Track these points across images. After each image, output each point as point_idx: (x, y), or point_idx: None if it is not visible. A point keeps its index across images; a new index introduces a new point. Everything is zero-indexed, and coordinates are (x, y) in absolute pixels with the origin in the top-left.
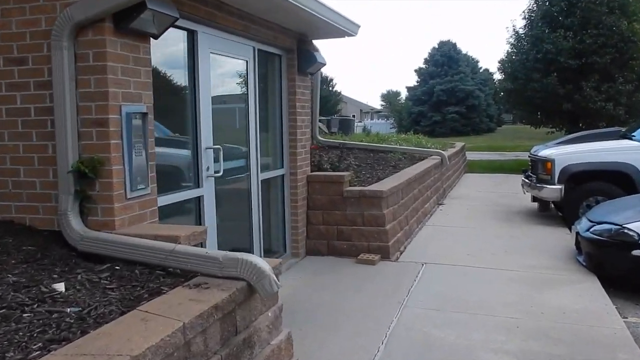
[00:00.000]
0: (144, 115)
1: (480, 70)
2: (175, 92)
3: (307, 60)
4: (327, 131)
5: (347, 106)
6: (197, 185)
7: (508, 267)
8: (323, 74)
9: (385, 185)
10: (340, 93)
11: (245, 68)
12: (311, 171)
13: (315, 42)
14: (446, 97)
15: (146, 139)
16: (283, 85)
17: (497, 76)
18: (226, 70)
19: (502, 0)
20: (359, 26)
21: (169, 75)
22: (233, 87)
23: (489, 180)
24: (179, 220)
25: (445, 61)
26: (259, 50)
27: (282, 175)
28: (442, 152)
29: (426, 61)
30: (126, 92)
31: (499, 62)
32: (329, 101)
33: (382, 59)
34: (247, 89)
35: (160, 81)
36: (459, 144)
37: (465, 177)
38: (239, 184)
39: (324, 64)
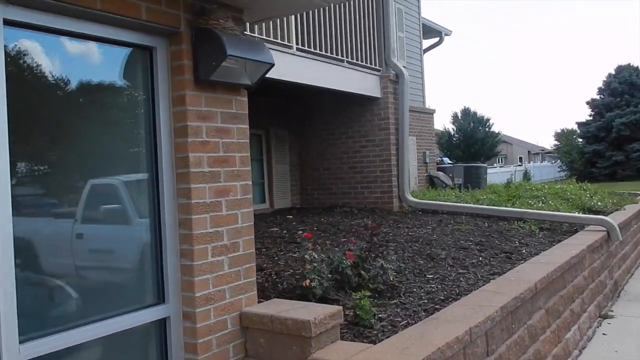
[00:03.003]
0: None
1: None
2: None
3: (212, 54)
4: (449, 183)
5: (513, 147)
6: None
7: None
8: (478, 114)
9: (424, 343)
10: (499, 134)
11: None
12: (278, 293)
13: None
14: (629, 132)
15: None
16: (159, 112)
17: None
18: None
19: None
20: None
21: None
22: None
23: None
24: None
25: (626, 89)
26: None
27: (161, 322)
28: (608, 219)
29: (601, 91)
30: None
31: None
32: (486, 143)
33: (552, 93)
34: None
35: None
36: None
37: None
38: None
39: (270, 64)
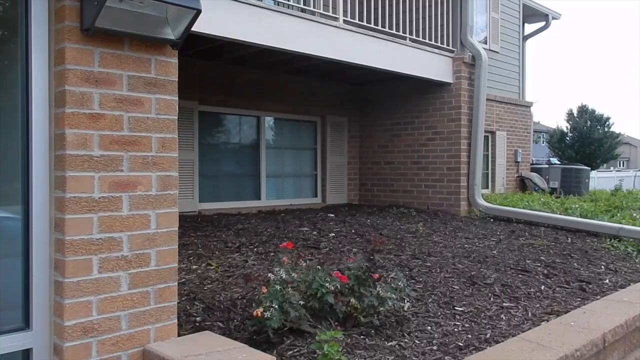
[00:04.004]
0: None
1: None
2: None
3: None
4: (543, 187)
5: (637, 150)
6: None
7: None
8: (596, 112)
9: None
10: (620, 134)
11: None
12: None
13: None
14: None
15: None
16: (31, 71)
17: None
18: None
19: None
20: None
21: None
22: None
23: None
24: None
25: None
26: None
27: (23, 355)
28: None
29: None
30: None
31: None
32: (603, 144)
33: None
34: None
35: None
36: None
37: None
38: None
39: (194, 10)
